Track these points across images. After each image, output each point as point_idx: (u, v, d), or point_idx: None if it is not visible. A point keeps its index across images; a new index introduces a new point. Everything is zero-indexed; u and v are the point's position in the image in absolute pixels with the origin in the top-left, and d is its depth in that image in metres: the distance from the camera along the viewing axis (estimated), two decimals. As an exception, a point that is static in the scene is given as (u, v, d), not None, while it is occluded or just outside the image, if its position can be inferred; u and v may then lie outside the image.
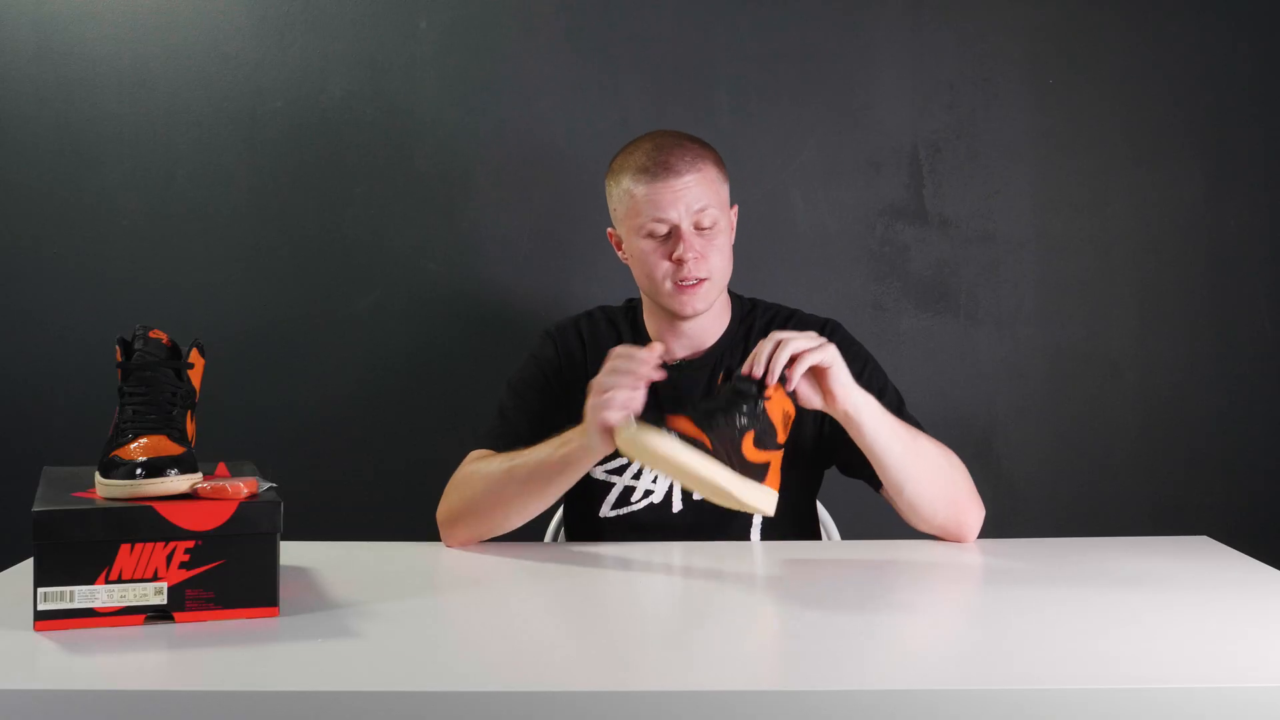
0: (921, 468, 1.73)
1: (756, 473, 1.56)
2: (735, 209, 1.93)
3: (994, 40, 2.46)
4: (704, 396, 1.74)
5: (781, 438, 1.59)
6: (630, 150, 1.88)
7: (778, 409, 1.58)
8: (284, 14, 2.42)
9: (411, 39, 2.43)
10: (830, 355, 1.62)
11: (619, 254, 1.93)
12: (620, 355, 1.65)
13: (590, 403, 1.64)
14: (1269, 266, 2.47)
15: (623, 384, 1.62)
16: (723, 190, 1.87)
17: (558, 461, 1.71)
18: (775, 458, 1.58)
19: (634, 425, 1.55)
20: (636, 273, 1.89)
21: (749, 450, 1.56)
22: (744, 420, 1.56)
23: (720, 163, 1.89)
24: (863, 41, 2.46)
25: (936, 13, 2.45)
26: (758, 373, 1.59)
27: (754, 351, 1.62)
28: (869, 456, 1.71)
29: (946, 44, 2.46)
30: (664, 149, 1.83)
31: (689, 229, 1.82)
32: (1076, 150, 2.47)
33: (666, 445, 1.51)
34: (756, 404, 1.57)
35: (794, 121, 2.45)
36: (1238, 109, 2.47)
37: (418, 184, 2.44)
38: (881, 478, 1.74)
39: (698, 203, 1.82)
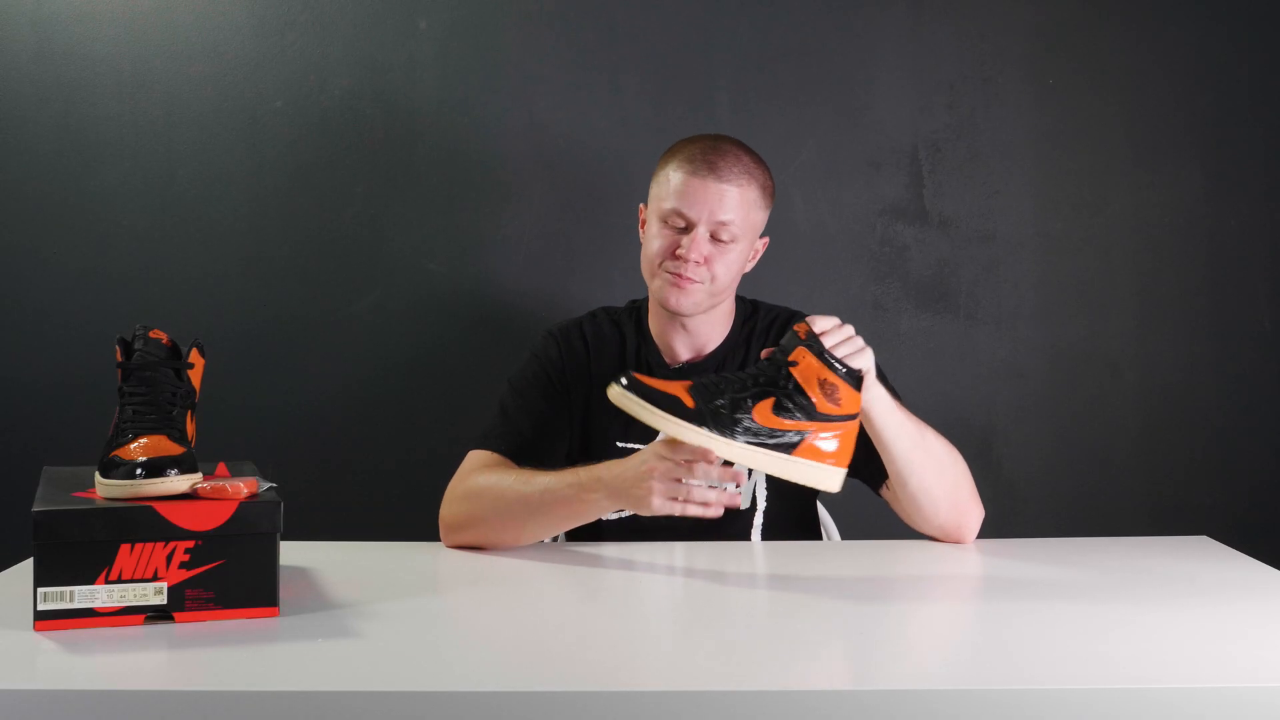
0: (927, 464, 1.73)
1: (781, 441, 1.55)
2: (765, 240, 1.91)
3: (994, 40, 2.46)
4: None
5: (824, 407, 1.55)
6: (692, 139, 1.87)
7: (811, 376, 1.55)
8: (284, 14, 2.42)
9: (411, 39, 2.43)
10: (870, 362, 1.63)
11: (640, 230, 1.93)
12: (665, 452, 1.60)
13: (653, 480, 1.60)
14: (1269, 266, 2.47)
15: (671, 475, 1.59)
16: (756, 215, 1.86)
17: (579, 510, 1.71)
18: (814, 428, 1.55)
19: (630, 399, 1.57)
20: (643, 249, 1.89)
21: (764, 416, 1.55)
22: (752, 387, 1.55)
23: (768, 189, 1.87)
24: (863, 41, 2.46)
25: (936, 13, 2.45)
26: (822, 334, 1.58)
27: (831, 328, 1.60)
28: (877, 447, 1.71)
29: (946, 44, 2.46)
30: (719, 150, 1.83)
31: (704, 233, 1.81)
32: (1076, 150, 2.47)
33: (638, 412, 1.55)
34: (780, 370, 1.55)
35: (794, 121, 2.45)
36: (1238, 109, 2.47)
37: (418, 184, 2.44)
38: (888, 471, 1.74)
39: (724, 214, 1.81)
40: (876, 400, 1.66)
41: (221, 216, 2.43)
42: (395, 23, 2.43)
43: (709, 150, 1.82)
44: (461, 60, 2.43)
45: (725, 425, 1.55)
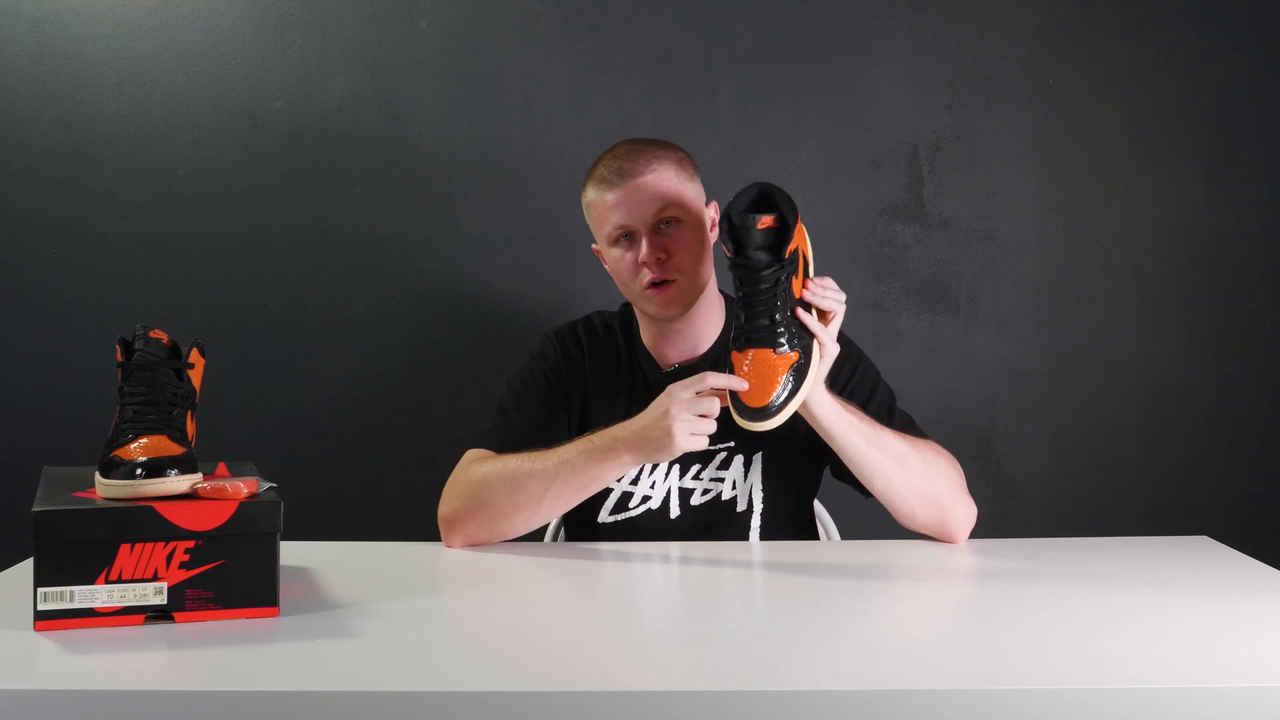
0: (885, 463, 1.73)
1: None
2: (714, 205, 1.91)
3: (994, 40, 2.46)
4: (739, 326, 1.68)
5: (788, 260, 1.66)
6: (594, 164, 1.89)
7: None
8: (284, 14, 2.42)
9: (411, 39, 2.43)
10: (832, 344, 1.68)
11: (606, 269, 1.93)
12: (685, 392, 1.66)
13: (673, 417, 1.64)
14: (1269, 266, 2.47)
15: (696, 411, 1.64)
16: (687, 187, 1.85)
17: (600, 473, 1.72)
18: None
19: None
20: (616, 282, 1.89)
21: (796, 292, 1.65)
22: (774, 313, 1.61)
23: (683, 161, 1.87)
24: (863, 41, 2.46)
25: (936, 13, 2.45)
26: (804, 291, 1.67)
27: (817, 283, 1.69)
28: (832, 448, 1.73)
29: (946, 44, 2.46)
30: (619, 156, 1.84)
31: (648, 231, 1.81)
32: (1076, 150, 2.47)
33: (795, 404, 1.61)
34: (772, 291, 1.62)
35: (794, 121, 2.45)
36: (1238, 109, 2.47)
37: (418, 184, 2.44)
38: (853, 473, 1.76)
39: (655, 203, 1.81)
40: (818, 403, 1.67)
41: (221, 216, 2.43)
42: (395, 23, 2.43)
43: (612, 161, 1.84)
44: (461, 60, 2.44)
45: (790, 334, 1.62)
